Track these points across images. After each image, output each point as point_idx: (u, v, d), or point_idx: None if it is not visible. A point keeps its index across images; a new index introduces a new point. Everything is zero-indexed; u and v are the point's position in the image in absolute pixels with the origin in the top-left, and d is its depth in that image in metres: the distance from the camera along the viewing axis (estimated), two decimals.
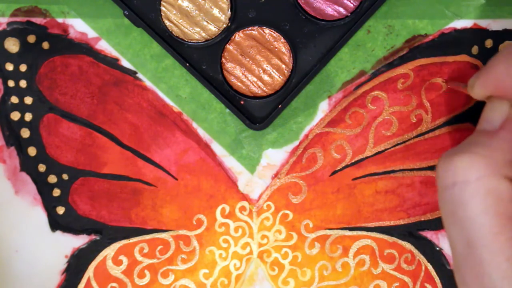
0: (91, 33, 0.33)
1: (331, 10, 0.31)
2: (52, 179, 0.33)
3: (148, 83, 0.33)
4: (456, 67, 0.33)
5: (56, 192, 0.33)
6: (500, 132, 0.21)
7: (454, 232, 0.21)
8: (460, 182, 0.20)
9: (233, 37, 0.32)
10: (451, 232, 0.21)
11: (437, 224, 0.33)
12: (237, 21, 0.32)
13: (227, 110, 0.33)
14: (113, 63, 0.33)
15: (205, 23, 0.32)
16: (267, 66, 0.32)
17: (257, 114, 0.32)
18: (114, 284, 0.33)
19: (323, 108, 0.33)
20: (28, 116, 0.33)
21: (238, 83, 0.32)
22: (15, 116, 0.33)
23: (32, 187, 0.33)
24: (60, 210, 0.33)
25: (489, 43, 0.32)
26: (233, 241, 0.33)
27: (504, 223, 0.19)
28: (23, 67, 0.32)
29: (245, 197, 0.33)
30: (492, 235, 0.19)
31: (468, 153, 0.20)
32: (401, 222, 0.33)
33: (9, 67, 0.32)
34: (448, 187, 0.20)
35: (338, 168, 0.33)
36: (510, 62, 0.21)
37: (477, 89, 0.24)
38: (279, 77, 0.32)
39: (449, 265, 0.33)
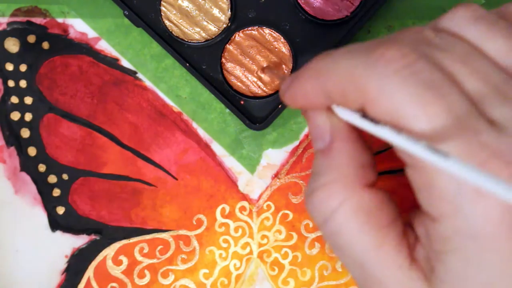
0: (91, 33, 0.33)
1: (331, 10, 0.31)
2: (52, 179, 0.33)
3: (148, 83, 0.33)
4: None
5: (56, 192, 0.33)
6: (333, 148, 0.20)
7: (346, 263, 0.20)
8: (328, 216, 0.19)
9: (233, 37, 0.32)
10: (345, 265, 0.20)
11: None
12: (237, 21, 0.32)
13: (227, 110, 0.33)
14: (113, 63, 0.33)
15: (205, 23, 0.32)
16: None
17: (257, 114, 0.32)
18: (114, 284, 0.33)
19: None
20: (28, 116, 0.33)
21: (238, 83, 0.32)
22: (15, 116, 0.33)
23: (32, 187, 0.33)
24: (60, 210, 0.33)
25: None
26: (233, 241, 0.34)
27: (383, 233, 0.18)
28: (23, 67, 0.32)
29: (245, 197, 0.33)
30: (376, 249, 0.18)
31: (321, 187, 0.19)
32: None
33: (9, 67, 0.32)
34: (321, 225, 0.19)
35: None
36: (318, 82, 0.19)
37: (287, 101, 0.22)
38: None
39: None
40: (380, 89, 0.17)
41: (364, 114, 0.18)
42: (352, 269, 0.20)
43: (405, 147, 0.16)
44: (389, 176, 0.33)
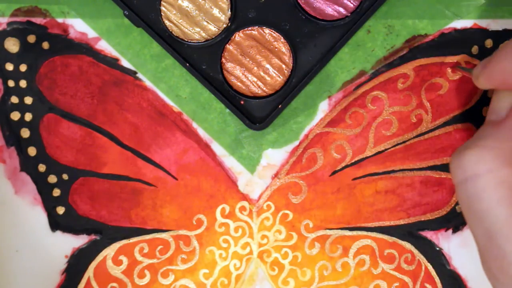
0: (91, 33, 0.33)
1: (331, 10, 0.31)
2: (52, 179, 0.33)
3: (148, 83, 0.33)
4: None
5: (56, 192, 0.33)
6: (507, 122, 0.21)
7: (474, 227, 0.21)
8: (471, 176, 0.20)
9: (233, 37, 0.32)
10: (471, 227, 0.21)
11: (437, 224, 0.33)
12: (237, 21, 0.32)
13: (227, 110, 0.33)
14: (113, 63, 0.33)
15: (205, 23, 0.32)
16: (267, 66, 0.32)
17: (257, 114, 0.32)
18: (114, 284, 0.33)
19: (323, 108, 0.33)
20: (28, 116, 0.33)
21: (238, 83, 0.32)
22: (15, 116, 0.33)
23: (32, 187, 0.33)
24: (60, 210, 0.33)
25: (489, 43, 0.32)
26: (233, 241, 0.34)
27: None
28: (23, 67, 0.32)
29: (245, 197, 0.33)
30: (510, 225, 0.19)
31: (476, 147, 0.20)
32: (401, 222, 0.33)
33: (9, 67, 0.32)
34: (461, 183, 0.21)
35: (338, 168, 0.33)
36: None
37: (482, 82, 0.24)
38: (279, 77, 0.32)
39: (449, 265, 0.33)
40: None
41: None
42: (477, 233, 0.20)
43: None
44: (389, 176, 0.33)
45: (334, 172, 0.33)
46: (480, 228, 0.20)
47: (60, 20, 0.32)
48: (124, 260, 0.33)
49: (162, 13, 0.32)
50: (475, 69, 0.25)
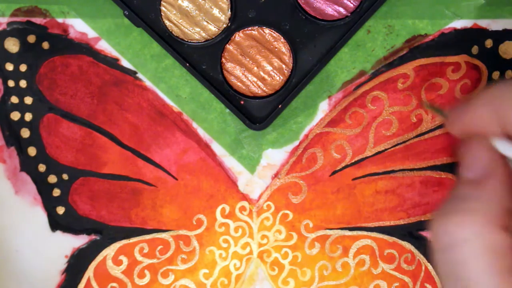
0: (91, 33, 0.33)
1: (331, 10, 0.31)
2: (52, 179, 0.33)
3: (148, 83, 0.33)
4: (456, 67, 0.33)
5: (56, 192, 0.33)
6: (487, 182, 0.20)
7: None
8: (456, 242, 0.19)
9: (233, 37, 0.32)
10: None
11: None
12: (237, 21, 0.32)
13: (227, 110, 0.33)
14: (113, 63, 0.33)
15: (205, 23, 0.32)
16: (267, 66, 0.32)
17: (257, 114, 0.32)
18: (114, 284, 0.33)
19: (323, 108, 0.33)
20: (28, 116, 0.33)
21: (238, 83, 0.32)
22: (15, 116, 0.33)
23: (32, 187, 0.33)
24: (60, 210, 0.33)
25: (489, 43, 0.32)
26: (233, 241, 0.33)
27: (508, 279, 0.18)
28: (23, 67, 0.32)
29: (245, 197, 0.33)
30: None
31: (461, 211, 0.19)
32: (401, 222, 0.33)
33: (9, 67, 0.32)
34: (444, 249, 0.19)
35: (338, 168, 0.33)
36: (494, 105, 0.20)
37: (457, 131, 0.23)
38: (279, 77, 0.32)
39: None
40: None
41: None
42: None
43: None
44: (389, 176, 0.33)
45: (334, 172, 0.33)
46: None
47: (60, 20, 0.32)
48: (124, 260, 0.33)
49: (162, 13, 0.32)
50: (450, 113, 0.24)
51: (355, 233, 0.33)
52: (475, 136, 0.21)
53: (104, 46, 0.33)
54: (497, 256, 0.19)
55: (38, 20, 0.32)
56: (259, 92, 0.32)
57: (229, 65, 0.32)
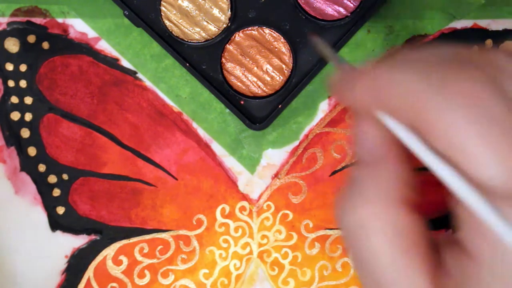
0: (91, 33, 0.33)
1: (331, 10, 0.31)
2: (52, 179, 0.33)
3: (148, 83, 0.33)
4: None
5: (56, 192, 0.33)
6: (380, 161, 0.19)
7: (364, 279, 0.19)
8: (356, 227, 0.18)
9: (233, 37, 0.32)
10: (362, 279, 0.19)
11: (437, 224, 0.33)
12: (237, 21, 0.32)
13: (227, 110, 0.33)
14: (113, 63, 0.33)
15: (205, 23, 0.32)
16: (267, 66, 0.32)
17: (257, 114, 0.32)
18: (114, 284, 0.33)
19: (323, 108, 0.33)
20: (28, 116, 0.33)
21: (238, 83, 0.32)
22: (15, 116, 0.33)
23: (32, 187, 0.33)
24: (60, 210, 0.33)
25: (489, 43, 0.32)
26: (233, 241, 0.33)
27: (410, 255, 0.18)
28: (23, 67, 0.32)
29: (245, 197, 0.33)
30: (399, 270, 0.18)
31: (356, 195, 0.19)
32: None
33: (9, 67, 0.32)
34: (348, 235, 0.19)
35: (338, 168, 0.33)
36: (373, 85, 0.18)
37: (334, 94, 0.20)
38: (279, 77, 0.32)
39: None
40: (444, 118, 0.16)
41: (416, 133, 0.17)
42: (366, 283, 0.19)
43: (463, 196, 0.15)
44: None
45: (334, 172, 0.33)
46: (369, 276, 0.18)
47: (60, 20, 0.32)
48: (124, 260, 0.33)
49: (162, 13, 0.32)
50: (337, 75, 0.20)
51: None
52: (363, 110, 0.19)
53: (104, 46, 0.33)
54: (399, 235, 0.18)
55: (38, 20, 0.32)
56: (259, 92, 0.32)
57: (229, 65, 0.32)
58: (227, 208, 0.33)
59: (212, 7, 0.32)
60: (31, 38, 0.32)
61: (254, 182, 0.33)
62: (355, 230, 0.18)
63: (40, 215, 0.33)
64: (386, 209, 0.18)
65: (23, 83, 0.33)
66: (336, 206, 0.19)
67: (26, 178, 0.33)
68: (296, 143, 0.33)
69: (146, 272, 0.33)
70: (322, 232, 0.33)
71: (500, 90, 0.16)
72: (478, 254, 0.16)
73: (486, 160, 0.15)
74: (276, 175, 0.33)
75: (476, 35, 0.32)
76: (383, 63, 0.18)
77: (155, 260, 0.33)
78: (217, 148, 0.33)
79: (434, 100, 0.16)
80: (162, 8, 0.32)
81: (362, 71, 0.19)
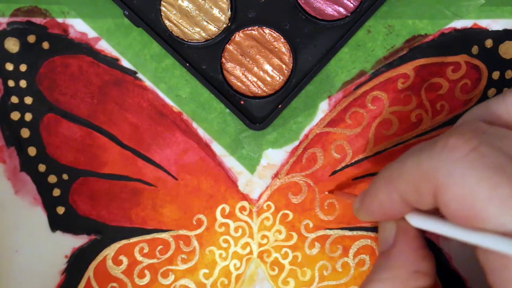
0: (91, 33, 0.33)
1: (331, 10, 0.31)
2: (52, 179, 0.33)
3: (148, 83, 0.33)
4: (456, 67, 0.33)
5: (56, 192, 0.33)
6: (394, 249, 0.22)
7: None
8: None
9: (233, 37, 0.32)
10: None
11: None
12: (237, 21, 0.32)
13: (227, 110, 0.33)
14: (113, 63, 0.33)
15: (205, 23, 0.32)
16: (267, 66, 0.32)
17: (257, 114, 0.32)
18: (114, 284, 0.33)
19: (323, 108, 0.33)
20: (28, 116, 0.33)
21: (238, 83, 0.32)
22: (15, 116, 0.33)
23: (32, 187, 0.33)
24: (60, 210, 0.33)
25: (489, 43, 0.32)
26: (233, 241, 0.34)
27: None
28: (23, 67, 0.32)
29: (245, 197, 0.33)
30: None
31: (372, 282, 0.21)
32: None
33: (9, 67, 0.32)
34: None
35: (338, 168, 0.33)
36: (390, 188, 0.21)
37: (363, 217, 0.25)
38: (279, 77, 0.32)
39: (449, 265, 0.33)
40: (449, 175, 0.18)
41: (438, 217, 0.19)
42: None
43: (485, 245, 0.17)
44: None
45: (334, 172, 0.33)
46: None
47: (60, 20, 0.32)
48: (124, 260, 0.33)
49: (162, 13, 0.32)
50: (354, 203, 0.26)
51: (355, 233, 0.33)
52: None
53: (104, 46, 0.33)
54: None
55: (38, 20, 0.32)
56: (259, 92, 0.32)
57: (229, 65, 0.32)
58: (227, 208, 0.33)
59: (212, 7, 0.32)
60: (31, 38, 0.32)
61: (254, 182, 0.33)
62: None
63: (40, 215, 0.33)
64: None
65: (23, 83, 0.33)
66: None
67: (26, 178, 0.33)
68: (296, 143, 0.33)
69: (146, 272, 0.33)
70: (322, 232, 0.33)
71: (488, 142, 0.18)
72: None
73: (487, 195, 0.17)
74: (276, 175, 0.33)
75: (476, 35, 0.32)
76: (387, 165, 0.22)
77: (155, 260, 0.33)
78: (217, 148, 0.33)
79: (432, 163, 0.18)
80: (162, 8, 0.32)
81: (374, 180, 0.23)
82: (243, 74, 0.32)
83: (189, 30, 0.32)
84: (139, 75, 0.33)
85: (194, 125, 0.33)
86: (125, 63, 0.33)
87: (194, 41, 0.32)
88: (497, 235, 0.17)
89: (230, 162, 0.33)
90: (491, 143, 0.18)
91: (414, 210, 0.21)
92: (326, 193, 0.32)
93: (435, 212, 0.20)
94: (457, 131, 0.19)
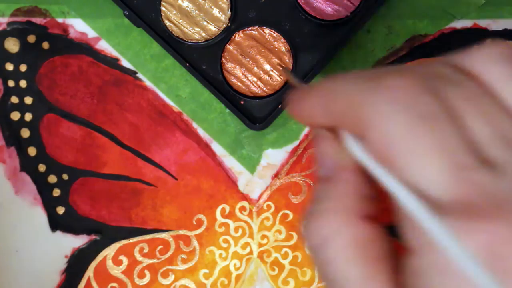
0: (91, 33, 0.33)
1: (331, 10, 0.31)
2: (52, 179, 0.33)
3: (148, 83, 0.33)
4: None
5: (56, 192, 0.33)
6: (335, 176, 0.20)
7: None
8: (320, 244, 0.19)
9: (233, 37, 0.32)
10: None
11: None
12: (237, 21, 0.32)
13: (227, 110, 0.33)
14: (113, 63, 0.33)
15: (205, 23, 0.32)
16: (267, 66, 0.32)
17: (257, 114, 0.32)
18: (114, 284, 0.33)
19: None
20: (28, 116, 0.33)
21: (238, 83, 0.32)
22: (15, 116, 0.33)
23: (32, 187, 0.33)
24: (60, 210, 0.33)
25: None
26: (233, 241, 0.33)
27: (374, 267, 0.18)
28: (23, 67, 0.32)
29: (245, 197, 0.33)
30: (363, 282, 0.18)
31: (318, 212, 0.19)
32: None
33: (9, 67, 0.32)
34: (313, 252, 0.19)
35: None
36: (322, 98, 0.19)
37: (293, 114, 0.21)
38: (279, 77, 0.32)
39: None
40: (376, 115, 0.17)
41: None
42: None
43: (393, 192, 0.16)
44: None
45: None
46: None
47: (60, 20, 0.32)
48: (124, 260, 0.33)
49: (162, 13, 0.32)
50: (292, 95, 0.21)
51: None
52: (321, 129, 0.20)
53: (104, 46, 0.33)
54: (360, 247, 0.18)
55: (38, 20, 0.32)
56: (259, 92, 0.32)
57: (229, 65, 0.32)
58: (227, 208, 0.33)
59: (212, 7, 0.32)
60: (31, 38, 0.32)
61: (254, 182, 0.33)
62: (319, 248, 0.19)
63: (40, 215, 0.33)
64: (346, 224, 0.19)
65: (23, 83, 0.33)
66: (302, 226, 0.20)
67: (26, 178, 0.33)
68: (296, 143, 0.33)
69: (146, 272, 0.33)
70: None
71: (433, 89, 0.17)
72: (417, 246, 0.17)
73: (406, 145, 0.16)
74: (276, 175, 0.33)
75: (476, 35, 0.32)
76: (328, 78, 0.19)
77: (155, 260, 0.33)
78: (217, 148, 0.33)
79: (366, 97, 0.17)
80: (162, 8, 0.32)
81: (311, 87, 0.20)
82: (243, 74, 0.32)
83: (189, 30, 0.32)
84: (139, 75, 0.33)
85: (194, 125, 0.33)
86: (125, 63, 0.33)
87: (194, 41, 0.32)
88: (407, 187, 0.16)
89: (230, 162, 0.33)
90: (437, 90, 0.17)
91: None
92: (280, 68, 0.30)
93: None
94: (408, 71, 0.17)
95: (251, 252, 0.34)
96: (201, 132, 0.33)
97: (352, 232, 0.19)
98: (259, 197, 0.33)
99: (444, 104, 0.16)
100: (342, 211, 0.19)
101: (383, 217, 0.20)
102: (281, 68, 0.31)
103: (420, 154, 0.16)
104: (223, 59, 0.32)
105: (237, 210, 0.33)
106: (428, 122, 0.16)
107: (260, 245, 0.34)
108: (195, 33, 0.32)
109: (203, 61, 0.32)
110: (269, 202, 0.33)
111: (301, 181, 0.33)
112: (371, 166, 0.18)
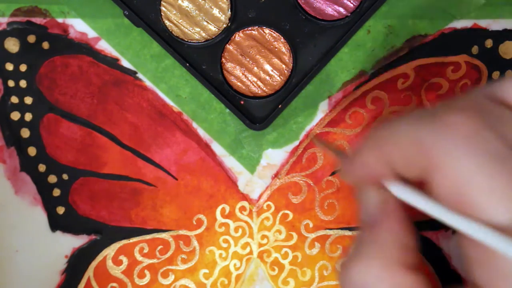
0: (91, 33, 0.33)
1: (331, 10, 0.31)
2: (52, 179, 0.33)
3: (148, 83, 0.33)
4: (456, 67, 0.33)
5: (56, 192, 0.33)
6: (381, 225, 0.20)
7: None
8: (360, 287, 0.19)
9: (233, 37, 0.32)
10: None
11: (437, 224, 0.33)
12: (237, 21, 0.32)
13: (227, 110, 0.33)
14: (113, 63, 0.33)
15: (205, 23, 0.32)
16: (267, 66, 0.32)
17: (257, 114, 0.32)
18: (114, 284, 0.33)
19: (323, 108, 0.33)
20: (28, 116, 0.33)
21: (238, 83, 0.32)
22: (15, 116, 0.33)
23: (32, 187, 0.33)
24: (60, 210, 0.33)
25: (489, 43, 0.32)
26: (233, 241, 0.34)
27: None
28: (23, 67, 0.32)
29: (245, 197, 0.33)
30: None
31: (359, 258, 0.19)
32: None
33: (9, 67, 0.32)
34: None
35: (338, 168, 0.33)
36: (379, 150, 0.19)
37: (349, 178, 0.22)
38: (279, 77, 0.32)
39: (449, 265, 0.33)
40: (446, 154, 0.17)
41: (423, 192, 0.18)
42: None
43: (473, 234, 0.16)
44: None
45: (334, 172, 0.33)
46: None
47: (60, 20, 0.32)
48: (124, 260, 0.33)
49: (162, 13, 0.32)
50: (345, 162, 0.23)
51: (355, 233, 0.33)
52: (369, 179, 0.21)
53: (104, 46, 0.33)
54: None
55: (38, 20, 0.32)
56: (259, 92, 0.32)
57: (229, 65, 0.32)
58: (227, 208, 0.33)
59: (212, 7, 0.32)
60: (31, 38, 0.32)
61: (254, 182, 0.33)
62: None
63: (40, 215, 0.33)
64: (388, 271, 0.19)
65: (23, 83, 0.33)
66: (342, 268, 0.20)
67: (26, 178, 0.33)
68: (296, 143, 0.33)
69: (146, 272, 0.33)
70: (322, 232, 0.33)
71: (492, 125, 0.17)
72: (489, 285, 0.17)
73: (482, 185, 0.16)
74: (276, 175, 0.33)
75: (476, 35, 0.32)
76: (379, 126, 0.19)
77: (155, 260, 0.33)
78: (217, 148, 0.33)
79: (431, 139, 0.17)
80: (162, 8, 0.32)
81: (366, 139, 0.20)
82: (243, 74, 0.32)
83: (189, 30, 0.32)
84: (139, 75, 0.33)
85: (194, 125, 0.33)
86: (125, 63, 0.33)
87: (194, 41, 0.32)
88: (488, 227, 0.16)
89: (230, 162, 0.33)
90: (494, 127, 0.17)
91: (397, 178, 0.20)
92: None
93: (416, 186, 0.19)
94: (459, 106, 0.17)
95: (251, 252, 0.34)
96: (201, 132, 0.33)
97: (393, 280, 0.19)
98: (259, 197, 0.33)
99: (505, 140, 0.17)
100: (385, 258, 0.19)
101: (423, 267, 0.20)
102: (316, 140, 0.31)
103: (497, 194, 0.16)
104: (223, 59, 0.32)
105: (237, 210, 0.33)
106: (499, 161, 0.16)
107: (260, 245, 0.34)
108: (195, 33, 0.32)
109: (203, 61, 0.32)
110: (269, 202, 0.33)
111: (301, 181, 0.33)
112: (432, 206, 0.18)
